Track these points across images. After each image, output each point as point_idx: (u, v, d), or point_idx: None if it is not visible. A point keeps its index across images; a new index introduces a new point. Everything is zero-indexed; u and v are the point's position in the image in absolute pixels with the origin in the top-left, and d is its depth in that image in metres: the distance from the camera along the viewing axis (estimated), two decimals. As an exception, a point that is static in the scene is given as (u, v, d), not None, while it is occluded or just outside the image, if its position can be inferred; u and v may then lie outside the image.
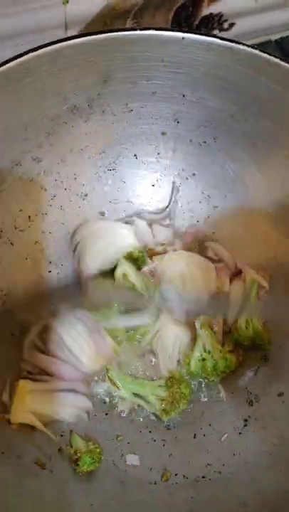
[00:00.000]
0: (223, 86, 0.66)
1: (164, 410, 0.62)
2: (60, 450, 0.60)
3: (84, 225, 0.72)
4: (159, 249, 0.73)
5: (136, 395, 0.64)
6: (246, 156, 0.71)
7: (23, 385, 0.61)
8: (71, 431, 0.62)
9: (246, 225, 0.74)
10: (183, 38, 0.62)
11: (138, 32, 0.61)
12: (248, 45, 0.62)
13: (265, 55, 0.62)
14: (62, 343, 0.64)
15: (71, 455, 0.60)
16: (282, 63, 0.62)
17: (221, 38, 0.62)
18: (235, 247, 0.75)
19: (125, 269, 0.68)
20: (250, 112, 0.67)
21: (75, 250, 0.71)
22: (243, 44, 0.62)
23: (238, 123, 0.69)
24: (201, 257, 0.73)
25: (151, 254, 0.73)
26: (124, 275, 0.68)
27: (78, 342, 0.64)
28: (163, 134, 0.72)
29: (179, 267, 0.70)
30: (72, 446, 0.60)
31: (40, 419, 0.60)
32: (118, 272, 0.68)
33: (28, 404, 0.60)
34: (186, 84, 0.66)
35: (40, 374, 0.64)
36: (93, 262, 0.69)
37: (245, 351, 0.69)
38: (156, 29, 0.61)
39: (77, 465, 0.58)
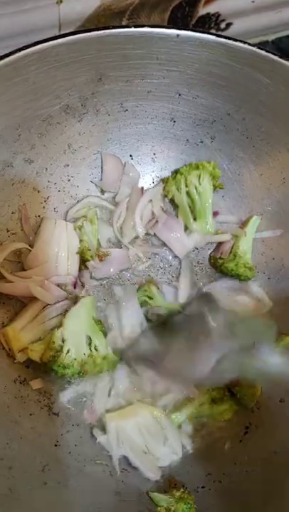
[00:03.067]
0: (219, 84, 0.64)
1: None
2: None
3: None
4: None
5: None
6: (245, 156, 0.69)
7: (13, 329, 0.61)
8: (147, 492, 0.58)
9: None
10: (178, 35, 0.60)
11: (132, 29, 0.59)
12: (244, 42, 0.61)
13: (262, 51, 0.61)
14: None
15: None
16: (279, 60, 0.61)
17: (217, 35, 0.61)
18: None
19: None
20: (247, 110, 0.66)
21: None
22: (239, 41, 0.61)
23: (235, 121, 0.67)
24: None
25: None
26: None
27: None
28: (159, 133, 0.70)
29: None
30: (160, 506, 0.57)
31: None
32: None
33: (26, 339, 0.60)
34: (181, 82, 0.65)
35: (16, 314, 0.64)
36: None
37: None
38: (151, 26, 0.60)
39: None
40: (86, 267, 0.68)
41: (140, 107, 0.67)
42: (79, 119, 0.66)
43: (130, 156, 0.71)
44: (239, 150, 0.69)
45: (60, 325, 0.61)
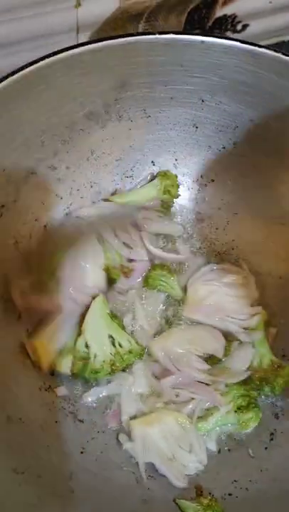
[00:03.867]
0: (243, 90, 0.64)
1: None
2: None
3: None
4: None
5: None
6: (268, 162, 0.69)
7: (41, 343, 0.61)
8: (174, 500, 0.58)
9: (267, 233, 0.72)
10: (202, 41, 0.60)
11: (156, 36, 0.59)
12: (270, 48, 0.61)
13: (287, 58, 0.60)
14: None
15: None
16: (304, 66, 0.60)
17: (242, 42, 0.61)
18: (256, 254, 0.73)
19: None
20: (271, 117, 0.65)
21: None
22: (264, 47, 0.61)
23: (259, 128, 0.67)
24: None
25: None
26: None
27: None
28: (181, 139, 0.70)
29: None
30: None
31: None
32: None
33: (53, 350, 0.61)
34: (205, 88, 0.64)
35: (41, 324, 0.63)
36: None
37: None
38: (175, 33, 0.60)
39: None
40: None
41: (163, 113, 0.67)
42: (102, 126, 0.66)
43: (152, 162, 0.71)
44: (262, 156, 0.69)
45: (80, 333, 0.62)
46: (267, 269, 0.71)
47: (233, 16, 0.91)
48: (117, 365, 0.62)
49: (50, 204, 0.66)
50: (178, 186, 0.72)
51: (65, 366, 0.60)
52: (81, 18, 0.76)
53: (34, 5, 0.71)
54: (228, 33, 0.94)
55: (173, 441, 0.60)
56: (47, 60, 0.57)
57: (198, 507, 0.56)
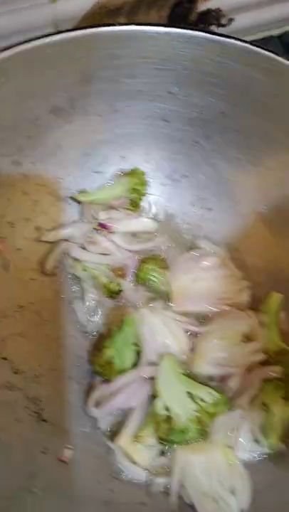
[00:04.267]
0: (212, 82, 0.63)
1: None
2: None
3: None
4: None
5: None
6: (241, 156, 0.68)
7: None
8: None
9: (243, 227, 0.70)
10: (167, 32, 0.59)
11: (120, 28, 0.58)
12: (236, 39, 0.59)
13: (256, 48, 0.59)
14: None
15: None
16: (274, 57, 0.59)
17: (208, 32, 0.59)
18: (232, 250, 0.72)
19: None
20: (242, 109, 0.64)
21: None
22: (232, 37, 0.59)
23: (230, 121, 0.65)
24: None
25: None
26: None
27: None
28: (151, 133, 0.68)
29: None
30: None
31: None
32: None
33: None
34: (172, 81, 0.63)
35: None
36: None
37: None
38: (139, 24, 0.59)
39: None
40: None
41: (131, 107, 0.66)
42: (68, 121, 0.64)
43: (122, 157, 0.70)
44: (235, 150, 0.67)
45: (154, 395, 0.59)
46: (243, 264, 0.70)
47: (218, 10, 0.89)
48: (205, 421, 0.57)
49: (16, 201, 0.65)
50: (146, 184, 0.70)
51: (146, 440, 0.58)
52: (59, 13, 0.75)
53: (9, 0, 0.70)
54: (213, 28, 0.92)
55: (216, 479, 0.57)
56: (7, 53, 0.56)
57: None
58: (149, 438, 0.58)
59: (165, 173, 0.72)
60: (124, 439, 0.59)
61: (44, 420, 0.61)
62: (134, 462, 0.58)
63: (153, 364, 0.62)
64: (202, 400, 0.58)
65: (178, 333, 0.64)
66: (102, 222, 0.68)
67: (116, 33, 0.58)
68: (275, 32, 1.00)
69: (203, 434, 0.57)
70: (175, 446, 0.58)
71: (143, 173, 0.70)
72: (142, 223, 0.70)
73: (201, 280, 0.69)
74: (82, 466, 0.59)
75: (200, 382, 0.60)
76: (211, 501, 0.55)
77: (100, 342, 0.65)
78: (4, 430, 0.57)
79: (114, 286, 0.68)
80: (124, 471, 0.58)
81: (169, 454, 0.59)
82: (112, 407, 0.60)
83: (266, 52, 0.58)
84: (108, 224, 0.68)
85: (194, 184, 0.72)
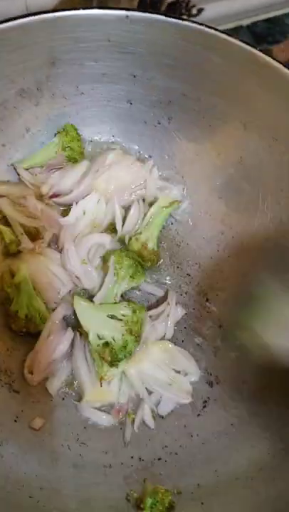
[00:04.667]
0: (173, 65, 0.65)
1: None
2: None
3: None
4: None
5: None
6: (202, 135, 0.70)
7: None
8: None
9: (205, 205, 0.72)
10: (127, 16, 0.61)
11: (81, 12, 0.60)
12: (193, 21, 0.61)
13: (211, 30, 0.61)
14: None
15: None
16: (228, 38, 0.61)
17: (166, 15, 0.62)
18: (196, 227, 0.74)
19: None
20: (202, 90, 0.66)
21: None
22: (188, 20, 0.62)
23: (191, 102, 0.68)
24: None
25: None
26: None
27: None
28: (116, 115, 0.71)
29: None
30: None
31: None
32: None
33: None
34: (135, 64, 0.65)
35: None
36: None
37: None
38: (100, 8, 0.61)
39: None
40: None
41: (96, 89, 0.68)
42: (35, 103, 0.67)
43: (89, 140, 0.72)
44: (197, 130, 0.70)
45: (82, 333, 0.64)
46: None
47: (187, 1, 0.92)
48: (135, 328, 0.63)
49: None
50: (79, 140, 0.71)
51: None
52: (31, 2, 0.78)
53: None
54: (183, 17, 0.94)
55: (166, 367, 0.64)
56: (-28, 37, 0.58)
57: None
58: (108, 373, 0.63)
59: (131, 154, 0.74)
60: (88, 393, 0.63)
61: (16, 391, 0.63)
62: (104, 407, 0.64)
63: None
64: (123, 315, 0.64)
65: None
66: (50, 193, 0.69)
67: (78, 16, 0.60)
68: (245, 22, 1.03)
69: (138, 339, 0.64)
70: (123, 362, 0.63)
71: (75, 129, 0.70)
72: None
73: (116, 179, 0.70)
74: (52, 433, 0.61)
75: (112, 303, 0.66)
76: (167, 386, 0.64)
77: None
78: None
79: (13, 247, 0.67)
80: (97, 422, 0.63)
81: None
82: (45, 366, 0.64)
83: (219, 34, 0.60)
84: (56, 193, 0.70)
85: (159, 165, 0.73)
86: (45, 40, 0.61)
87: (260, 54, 0.61)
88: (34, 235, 0.66)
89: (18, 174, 0.69)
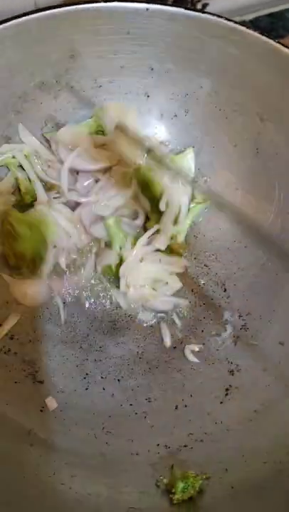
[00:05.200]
0: (191, 57, 0.66)
1: None
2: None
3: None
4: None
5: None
6: (219, 128, 0.71)
7: None
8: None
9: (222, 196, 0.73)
10: (147, 9, 0.62)
11: (102, 4, 0.61)
12: (212, 14, 0.62)
13: (229, 22, 0.62)
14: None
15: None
16: (246, 30, 0.62)
17: (186, 8, 0.63)
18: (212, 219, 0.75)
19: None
20: (219, 83, 0.67)
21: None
22: (207, 13, 0.62)
23: (208, 94, 0.69)
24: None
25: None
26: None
27: None
28: (133, 108, 0.71)
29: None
30: None
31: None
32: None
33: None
34: (153, 56, 0.66)
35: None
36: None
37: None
38: (121, 0, 0.61)
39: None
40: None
41: (114, 82, 0.69)
42: (54, 96, 0.67)
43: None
44: (213, 123, 0.71)
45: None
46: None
47: (193, -5, 0.93)
48: None
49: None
50: None
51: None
52: (40, -1, 0.78)
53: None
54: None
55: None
56: (-6, 29, 0.58)
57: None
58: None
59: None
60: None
61: (39, 381, 0.63)
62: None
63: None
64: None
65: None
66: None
67: (97, 8, 0.61)
68: (248, 17, 1.04)
69: None
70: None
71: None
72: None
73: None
74: (78, 423, 0.61)
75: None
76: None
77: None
78: (4, 390, 0.60)
79: (28, 197, 0.68)
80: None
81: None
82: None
83: (238, 26, 0.61)
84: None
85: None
86: (65, 33, 0.62)
87: (279, 46, 0.62)
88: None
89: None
